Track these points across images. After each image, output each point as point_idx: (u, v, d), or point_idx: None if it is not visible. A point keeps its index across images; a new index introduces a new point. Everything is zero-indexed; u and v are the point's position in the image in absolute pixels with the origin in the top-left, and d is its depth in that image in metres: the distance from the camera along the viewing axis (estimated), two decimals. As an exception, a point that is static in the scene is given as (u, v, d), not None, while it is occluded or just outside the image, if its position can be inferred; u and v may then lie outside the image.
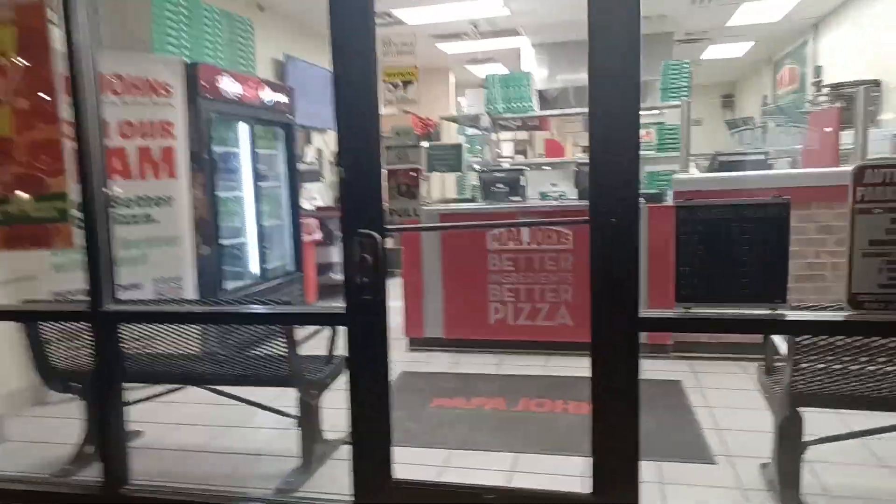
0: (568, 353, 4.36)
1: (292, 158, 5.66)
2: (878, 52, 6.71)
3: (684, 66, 6.10)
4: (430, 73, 10.51)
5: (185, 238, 4.20)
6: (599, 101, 2.00)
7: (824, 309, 2.18)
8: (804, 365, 2.24)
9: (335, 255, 6.90)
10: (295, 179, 5.70)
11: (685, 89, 6.07)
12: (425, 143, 5.65)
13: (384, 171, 2.27)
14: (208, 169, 4.39)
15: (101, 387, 2.61)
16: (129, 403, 2.89)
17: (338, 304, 2.26)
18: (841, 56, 7.77)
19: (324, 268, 6.87)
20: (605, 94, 1.98)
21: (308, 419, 2.84)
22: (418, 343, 4.70)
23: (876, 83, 6.12)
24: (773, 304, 2.09)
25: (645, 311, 2.06)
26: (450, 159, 5.32)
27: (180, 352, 2.85)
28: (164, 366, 2.84)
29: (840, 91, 6.12)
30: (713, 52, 10.12)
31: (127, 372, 2.81)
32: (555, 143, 7.21)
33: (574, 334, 4.36)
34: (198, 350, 2.76)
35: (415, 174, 2.25)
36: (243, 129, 4.99)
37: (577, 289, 4.34)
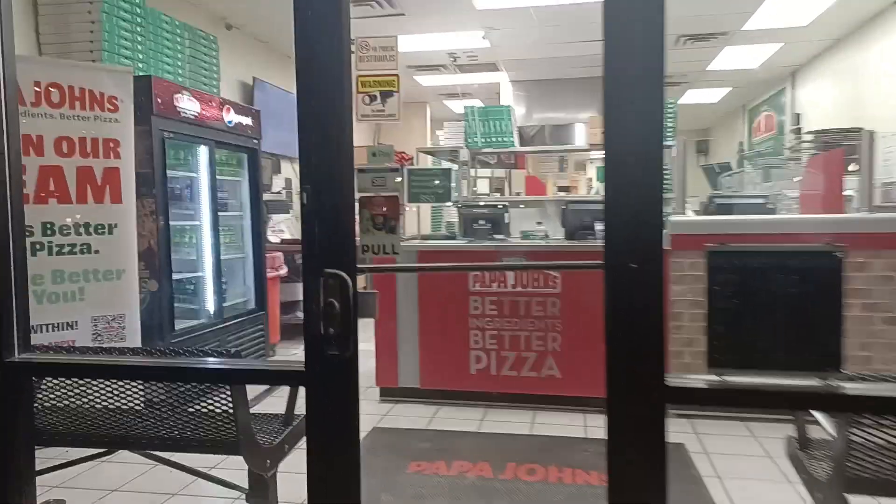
0: (556, 409, 3.97)
1: (257, 186, 5.24)
2: (857, 103, 6.69)
3: (669, 105, 5.93)
4: (406, 106, 10.26)
5: (130, 271, 3.71)
6: (617, 123, 1.65)
7: (885, 380, 1.85)
8: (859, 444, 1.89)
9: (302, 292, 6.42)
10: (259, 209, 5.27)
11: (670, 129, 5.88)
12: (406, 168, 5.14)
13: (357, 200, 1.89)
14: (160, 194, 3.94)
15: (2, 453, 2.10)
16: (40, 472, 2.39)
17: (296, 361, 1.84)
18: (819, 105, 7.78)
19: (289, 306, 6.38)
20: (623, 114, 1.63)
21: (260, 493, 2.37)
22: (391, 394, 4.24)
23: (857, 131, 6.04)
24: (824, 372, 1.76)
25: (673, 378, 1.69)
26: (437, 187, 4.76)
27: (109, 406, 2.37)
28: (87, 425, 2.35)
29: (825, 138, 6.01)
30: (690, 97, 10.13)
31: (38, 433, 2.31)
32: (535, 180, 6.96)
33: (563, 387, 3.98)
34: (128, 404, 2.28)
35: (394, 204, 1.87)
36: (203, 153, 4.57)
37: (565, 337, 3.98)
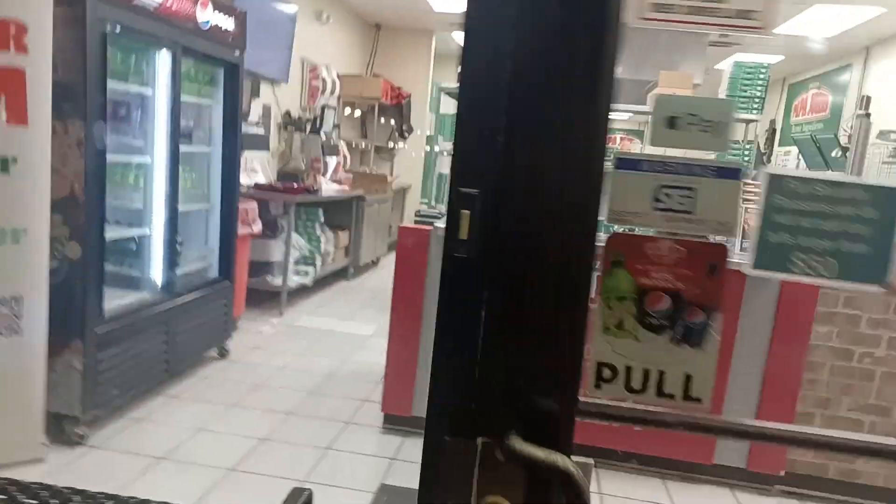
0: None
1: (235, 113, 3.91)
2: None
3: (761, 70, 4.79)
4: (408, 33, 8.81)
5: (35, 230, 2.44)
6: None
7: None
8: None
9: (276, 252, 5.17)
10: (236, 145, 3.95)
11: (758, 100, 4.77)
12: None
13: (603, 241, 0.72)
14: (94, 115, 2.61)
15: None
16: None
17: None
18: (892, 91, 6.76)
19: (259, 267, 5.14)
20: None
21: None
22: (399, 423, 3.13)
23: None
24: None
25: None
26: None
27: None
28: None
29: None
30: (729, 63, 8.97)
31: None
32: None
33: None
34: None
35: (718, 263, 0.67)
36: (163, 61, 3.21)
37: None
